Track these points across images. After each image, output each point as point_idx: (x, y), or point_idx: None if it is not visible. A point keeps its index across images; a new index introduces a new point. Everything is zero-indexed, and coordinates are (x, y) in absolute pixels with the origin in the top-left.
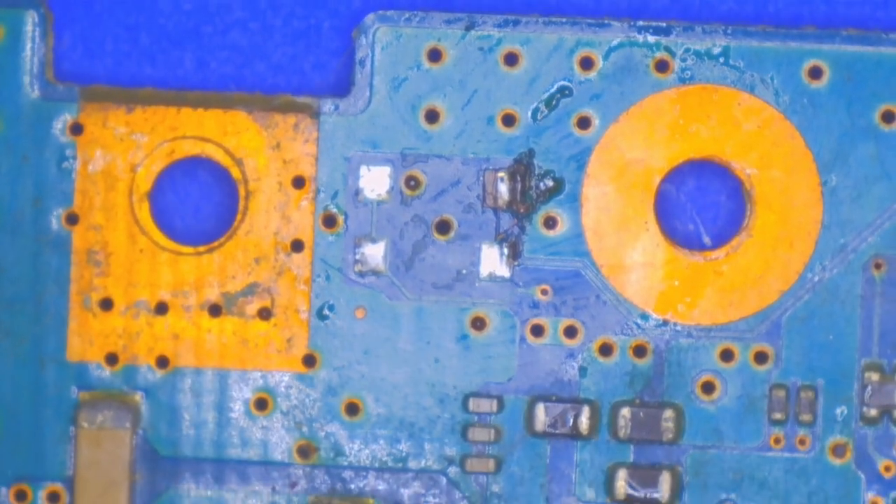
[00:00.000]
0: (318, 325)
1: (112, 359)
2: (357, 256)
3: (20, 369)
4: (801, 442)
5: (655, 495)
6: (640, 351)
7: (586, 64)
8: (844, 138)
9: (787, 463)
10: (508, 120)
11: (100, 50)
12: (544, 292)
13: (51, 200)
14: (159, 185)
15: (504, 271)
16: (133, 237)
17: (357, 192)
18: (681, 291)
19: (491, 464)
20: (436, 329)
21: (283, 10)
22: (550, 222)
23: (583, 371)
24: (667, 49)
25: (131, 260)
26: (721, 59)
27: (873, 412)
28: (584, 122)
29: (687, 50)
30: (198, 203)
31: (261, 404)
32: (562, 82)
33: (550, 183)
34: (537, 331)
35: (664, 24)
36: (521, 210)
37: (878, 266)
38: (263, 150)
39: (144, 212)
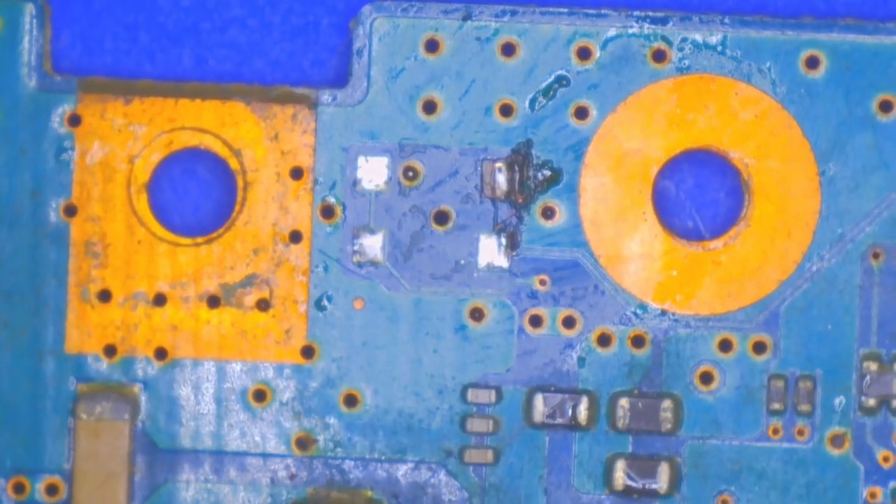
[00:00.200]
0: (317, 317)
1: (110, 351)
2: (355, 247)
3: (18, 361)
4: (800, 432)
5: (654, 486)
6: (638, 341)
7: (584, 54)
8: (842, 128)
9: (786, 453)
10: (506, 110)
11: (99, 48)
12: (542, 283)
13: (49, 192)
14: (157, 176)
15: (502, 262)
16: (131, 229)
17: (355, 182)
18: (679, 282)
19: (489, 455)
20: (434, 320)
21: (282, 6)
22: (548, 212)
23: (581, 361)
24: (664, 39)
25: (129, 251)
26: (718, 49)
27: (872, 402)
28: (581, 113)
29: (684, 40)
30: (196, 194)
31: (259, 396)
32: (559, 72)
33: (548, 173)
34: (536, 321)
35: (661, 14)
36: (519, 200)
37: (876, 256)
38: (261, 140)
39: (142, 203)
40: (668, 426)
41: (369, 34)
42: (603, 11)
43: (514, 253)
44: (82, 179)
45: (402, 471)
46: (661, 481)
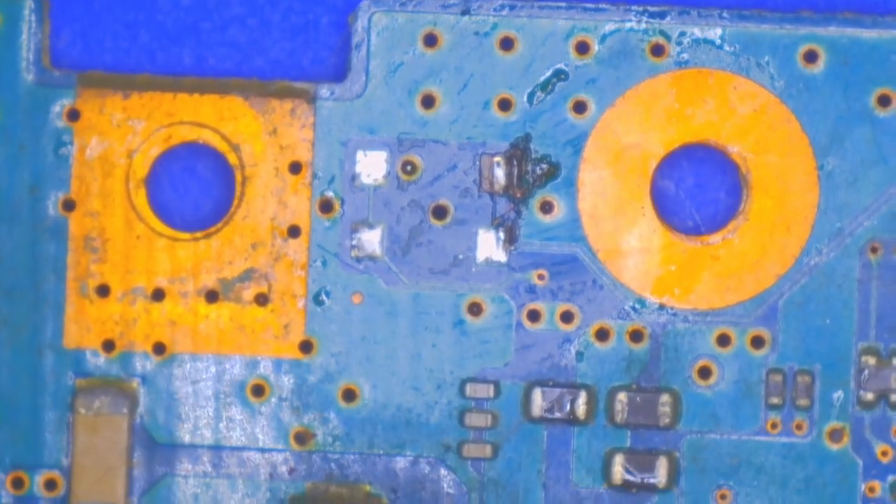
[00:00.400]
0: (315, 311)
1: (109, 345)
2: (354, 242)
3: (17, 356)
4: (798, 427)
5: (652, 480)
6: (636, 336)
7: (582, 48)
8: (840, 122)
9: (784, 448)
10: (504, 104)
11: (98, 47)
12: (541, 277)
13: (48, 187)
14: (156, 170)
15: (501, 256)
16: (130, 223)
17: (354, 177)
18: (677, 276)
19: (488, 449)
20: (433, 314)
21: (282, 5)
22: (547, 207)
23: (579, 356)
24: (662, 33)
25: (128, 246)
26: (717, 43)
27: (870, 396)
28: (580, 107)
29: (682, 34)
30: (194, 189)
31: (258, 390)
32: (558, 66)
33: (547, 167)
34: (534, 316)
35: (660, 9)
36: (518, 195)
37: (874, 250)
38: (260, 135)
39: (141, 198)
40: (667, 420)
41: (368, 29)
42: (601, 6)
43: (513, 247)
44: (81, 174)
45: (400, 465)
46: (660, 475)
